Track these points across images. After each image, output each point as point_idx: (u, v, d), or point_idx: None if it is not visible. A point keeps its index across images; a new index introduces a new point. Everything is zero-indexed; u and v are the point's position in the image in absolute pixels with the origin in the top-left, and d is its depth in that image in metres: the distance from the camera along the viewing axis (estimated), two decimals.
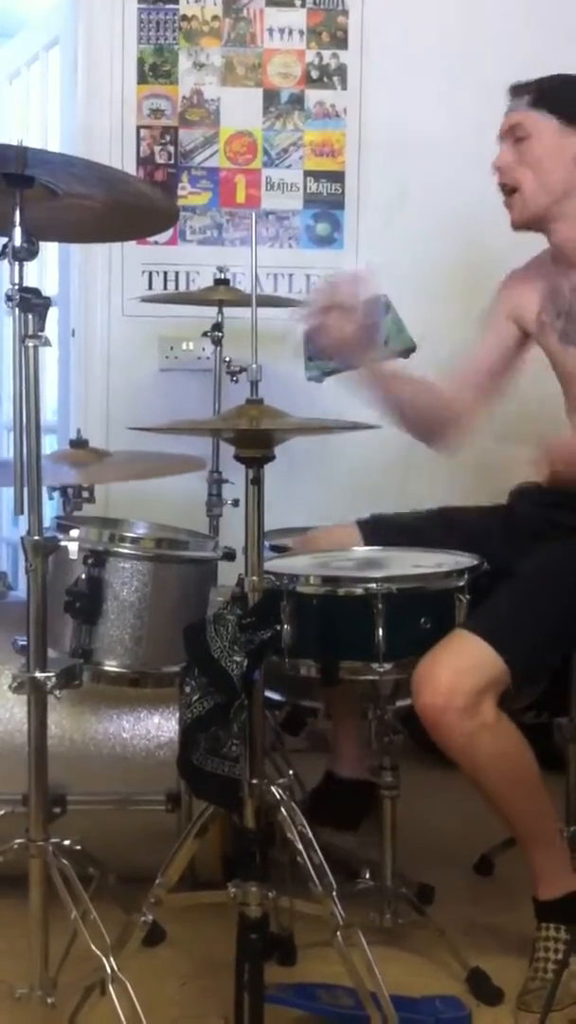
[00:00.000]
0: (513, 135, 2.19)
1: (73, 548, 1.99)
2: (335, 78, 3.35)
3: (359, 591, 1.94)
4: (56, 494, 2.48)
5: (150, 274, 3.34)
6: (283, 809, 1.77)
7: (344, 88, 3.35)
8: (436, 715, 1.86)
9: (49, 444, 3.33)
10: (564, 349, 2.26)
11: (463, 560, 2.06)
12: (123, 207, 1.88)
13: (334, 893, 1.76)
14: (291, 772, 2.45)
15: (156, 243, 3.33)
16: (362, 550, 2.27)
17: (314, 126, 3.37)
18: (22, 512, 1.67)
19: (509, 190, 2.22)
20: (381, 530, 2.32)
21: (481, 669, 1.87)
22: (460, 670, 1.86)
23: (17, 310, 1.64)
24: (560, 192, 2.17)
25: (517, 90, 2.20)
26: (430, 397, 2.36)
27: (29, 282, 1.66)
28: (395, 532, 2.30)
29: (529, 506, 2.29)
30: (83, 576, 2.01)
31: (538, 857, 1.99)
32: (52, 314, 1.69)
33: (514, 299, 2.37)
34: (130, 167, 3.29)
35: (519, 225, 2.24)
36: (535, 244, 2.31)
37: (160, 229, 2.76)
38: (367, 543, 2.30)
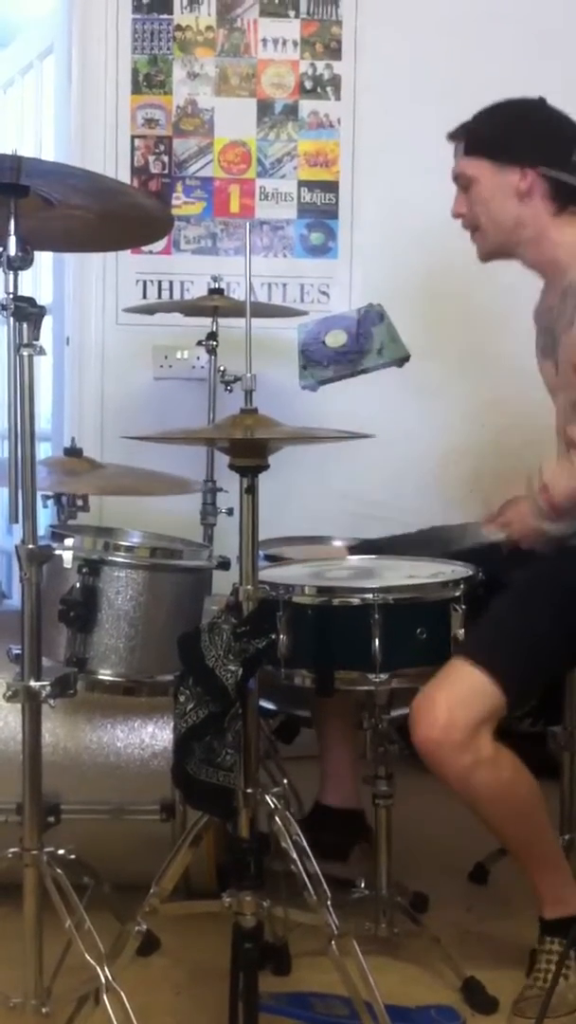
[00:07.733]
0: (460, 183, 2.26)
1: (68, 557, 1.99)
2: (329, 88, 3.36)
3: (355, 601, 1.94)
4: (50, 502, 2.48)
5: (144, 283, 3.34)
6: (277, 818, 1.78)
7: (338, 98, 3.36)
8: (433, 748, 1.85)
9: (43, 452, 3.33)
10: (542, 361, 2.28)
11: (459, 570, 2.06)
12: (118, 217, 1.88)
13: (328, 902, 1.76)
14: (285, 781, 2.43)
15: (151, 252, 3.33)
16: (356, 559, 2.27)
17: (308, 136, 3.37)
18: (17, 520, 1.67)
19: (472, 229, 2.27)
20: (372, 551, 2.31)
21: (478, 701, 1.86)
22: (457, 703, 1.85)
23: (12, 319, 1.64)
24: (512, 225, 2.21)
25: (452, 137, 2.26)
26: None
27: (24, 291, 1.66)
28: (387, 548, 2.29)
29: None
30: (77, 585, 2.00)
31: (542, 881, 1.98)
32: (47, 322, 1.69)
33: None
34: (124, 177, 3.29)
35: (485, 258, 2.30)
36: None
37: (155, 238, 2.76)
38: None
